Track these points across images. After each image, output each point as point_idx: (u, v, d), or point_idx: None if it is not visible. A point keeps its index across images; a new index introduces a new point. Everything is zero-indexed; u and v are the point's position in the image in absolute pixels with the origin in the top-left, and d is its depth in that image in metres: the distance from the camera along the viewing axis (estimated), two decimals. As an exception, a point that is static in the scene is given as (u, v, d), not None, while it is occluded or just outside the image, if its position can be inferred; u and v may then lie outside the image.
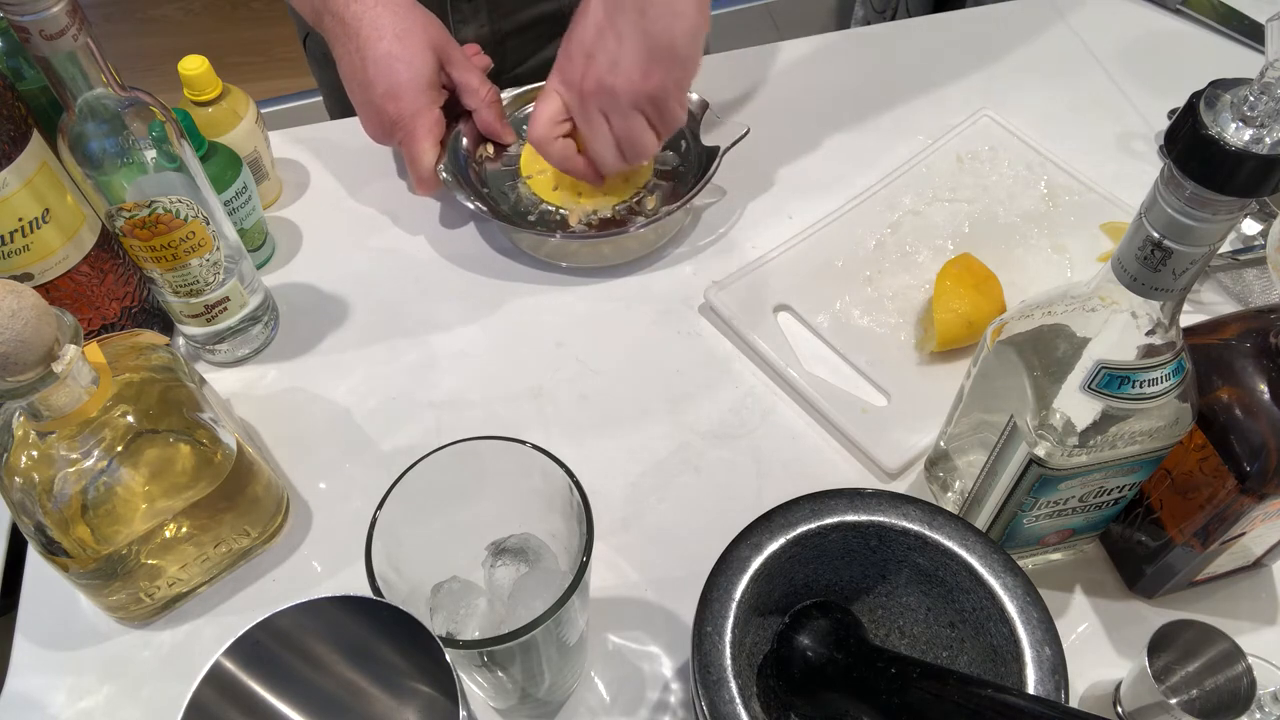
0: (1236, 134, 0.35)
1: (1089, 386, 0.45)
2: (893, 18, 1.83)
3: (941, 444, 0.59)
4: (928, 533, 0.45)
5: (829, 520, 0.45)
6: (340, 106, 0.87)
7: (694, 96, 0.74)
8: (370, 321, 0.71)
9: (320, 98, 0.99)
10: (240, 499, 0.56)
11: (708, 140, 0.73)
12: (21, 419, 0.49)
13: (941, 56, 0.87)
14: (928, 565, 0.46)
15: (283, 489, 0.61)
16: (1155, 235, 0.39)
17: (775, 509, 0.46)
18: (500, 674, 0.47)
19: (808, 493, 0.46)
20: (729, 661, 0.42)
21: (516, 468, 0.47)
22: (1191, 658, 0.47)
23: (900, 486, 0.62)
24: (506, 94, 0.76)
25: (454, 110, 0.73)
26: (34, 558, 0.59)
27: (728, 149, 0.72)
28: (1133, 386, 0.44)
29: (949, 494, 0.59)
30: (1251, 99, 0.35)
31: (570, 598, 0.42)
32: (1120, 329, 0.43)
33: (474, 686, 0.51)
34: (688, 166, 0.74)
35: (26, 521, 0.50)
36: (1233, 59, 0.86)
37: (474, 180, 0.73)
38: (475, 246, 0.75)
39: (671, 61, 0.61)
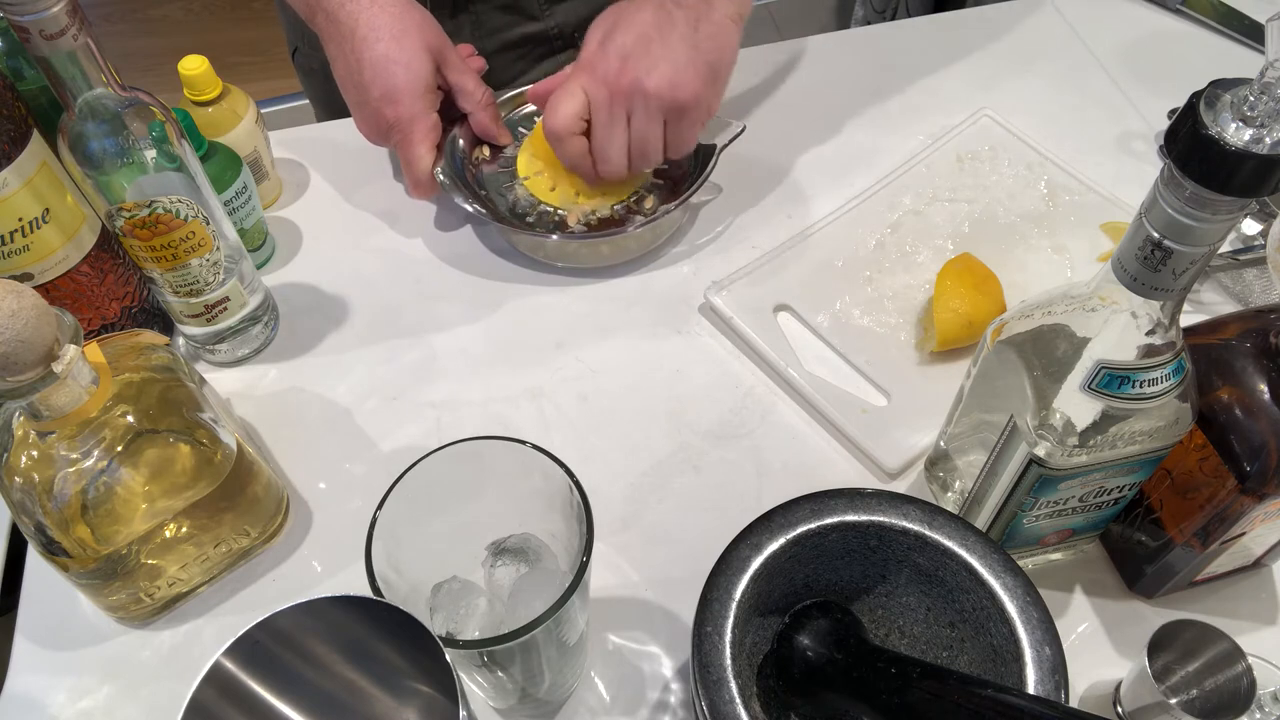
0: (1236, 134, 0.35)
1: (1089, 386, 0.45)
2: (893, 18, 1.83)
3: (941, 444, 0.59)
4: (928, 533, 0.45)
5: (829, 520, 0.45)
6: (331, 117, 0.86)
7: None
8: (370, 321, 0.71)
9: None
10: (240, 499, 0.56)
11: (704, 138, 0.73)
12: (21, 419, 0.49)
13: (941, 56, 0.87)
14: (928, 565, 0.46)
15: (283, 489, 0.61)
16: (1155, 235, 0.39)
17: (775, 509, 0.46)
18: (500, 674, 0.47)
19: (808, 493, 0.46)
20: (729, 661, 0.42)
21: (516, 468, 0.47)
22: (1191, 658, 0.47)
23: (900, 486, 0.62)
24: (501, 96, 0.76)
25: (449, 112, 0.73)
26: (34, 558, 0.59)
27: (724, 147, 0.72)
28: (1133, 386, 0.44)
29: (949, 494, 0.59)
30: (1251, 99, 0.35)
31: (570, 598, 0.42)
32: (1120, 329, 0.43)
33: (474, 686, 0.51)
34: (685, 166, 0.74)
35: (26, 521, 0.50)
36: (1233, 59, 0.86)
37: (471, 182, 0.73)
38: (475, 247, 0.75)
39: (708, 80, 0.65)
